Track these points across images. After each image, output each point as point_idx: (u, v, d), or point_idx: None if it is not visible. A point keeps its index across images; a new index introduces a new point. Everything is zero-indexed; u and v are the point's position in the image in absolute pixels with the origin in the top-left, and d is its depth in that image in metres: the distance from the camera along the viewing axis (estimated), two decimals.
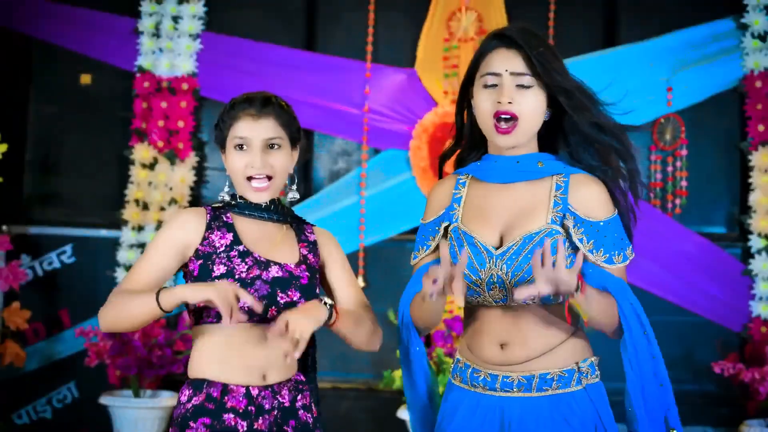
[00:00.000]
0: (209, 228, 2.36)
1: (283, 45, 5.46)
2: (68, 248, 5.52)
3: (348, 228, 5.41)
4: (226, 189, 2.43)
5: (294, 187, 2.47)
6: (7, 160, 5.09)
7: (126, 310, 2.25)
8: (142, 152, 5.41)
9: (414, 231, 4.41)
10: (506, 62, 2.27)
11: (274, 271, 2.33)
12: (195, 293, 2.18)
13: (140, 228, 5.40)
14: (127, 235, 5.39)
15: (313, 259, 2.44)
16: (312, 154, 5.59)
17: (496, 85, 2.28)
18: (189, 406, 2.30)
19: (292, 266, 2.37)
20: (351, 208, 5.44)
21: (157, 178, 5.41)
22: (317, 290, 2.41)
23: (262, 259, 2.34)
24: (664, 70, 5.40)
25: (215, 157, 5.44)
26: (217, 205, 2.43)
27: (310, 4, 5.62)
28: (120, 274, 5.36)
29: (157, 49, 5.47)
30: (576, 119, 2.30)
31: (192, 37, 5.48)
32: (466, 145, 2.43)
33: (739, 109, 5.45)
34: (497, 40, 2.30)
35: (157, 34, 5.48)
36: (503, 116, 2.26)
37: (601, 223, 2.26)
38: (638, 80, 5.38)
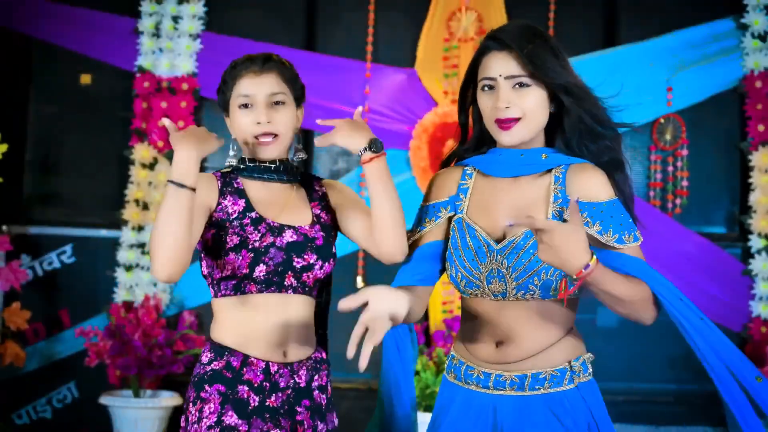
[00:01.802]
0: (222, 193, 2.35)
1: (283, 45, 5.45)
2: (68, 248, 5.52)
3: None
4: (232, 153, 2.40)
5: (301, 146, 2.45)
6: (7, 160, 5.10)
7: (158, 229, 2.15)
8: (142, 152, 5.41)
9: None
10: (499, 66, 2.26)
11: (288, 236, 2.32)
12: (180, 154, 2.17)
13: (140, 228, 5.40)
14: (127, 235, 5.39)
15: (326, 217, 2.43)
16: (312, 154, 5.60)
17: (493, 87, 2.28)
18: (208, 369, 2.31)
19: (307, 227, 2.36)
20: None
21: (157, 178, 5.41)
22: (333, 249, 2.40)
23: (275, 224, 2.33)
24: (664, 70, 5.40)
25: (215, 157, 5.43)
26: (225, 170, 2.41)
27: (310, 4, 5.63)
28: (120, 274, 5.36)
29: (157, 49, 5.47)
30: (574, 112, 2.28)
31: (192, 37, 5.48)
32: (471, 143, 2.43)
33: (739, 109, 5.45)
34: (490, 41, 2.29)
35: (157, 34, 5.49)
36: (503, 120, 2.26)
37: (605, 204, 2.24)
38: (638, 80, 5.38)
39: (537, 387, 2.27)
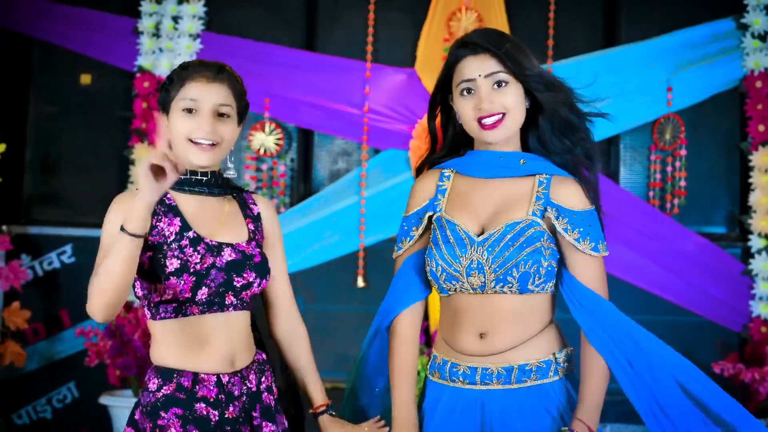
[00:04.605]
0: (155, 214, 2.28)
1: (283, 45, 5.45)
2: (68, 248, 5.52)
3: (348, 228, 5.41)
4: None
5: (231, 164, 2.38)
6: (7, 160, 5.10)
7: (104, 276, 2.13)
8: (142, 152, 5.41)
9: None
10: (477, 67, 2.34)
11: (227, 255, 2.29)
12: (144, 197, 2.07)
13: None
14: None
15: (259, 235, 2.41)
16: (312, 154, 5.60)
17: (472, 90, 2.34)
18: (159, 395, 2.26)
19: (244, 244, 2.33)
20: (351, 208, 5.43)
21: None
22: (269, 264, 2.37)
23: (213, 243, 2.29)
24: (664, 70, 5.40)
25: None
26: None
27: (310, 4, 5.62)
28: None
29: (157, 49, 5.47)
30: (550, 104, 2.36)
31: (192, 37, 5.48)
32: (443, 149, 2.50)
33: (739, 109, 5.45)
34: (463, 48, 2.37)
35: (157, 34, 5.49)
36: (485, 119, 2.32)
37: (585, 213, 2.32)
38: (638, 80, 5.38)
39: (524, 379, 2.31)
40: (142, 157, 2.04)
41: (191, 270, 2.23)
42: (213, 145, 2.29)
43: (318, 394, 2.46)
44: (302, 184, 5.56)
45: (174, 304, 2.26)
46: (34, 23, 5.49)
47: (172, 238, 2.26)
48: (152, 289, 2.26)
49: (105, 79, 5.59)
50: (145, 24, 5.47)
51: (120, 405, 4.94)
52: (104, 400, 4.98)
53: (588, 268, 2.31)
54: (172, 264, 2.23)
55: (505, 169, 2.37)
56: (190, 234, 2.28)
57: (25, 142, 5.59)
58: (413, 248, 2.45)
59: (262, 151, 5.42)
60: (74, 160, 5.60)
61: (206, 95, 2.30)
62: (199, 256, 2.25)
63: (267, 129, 5.40)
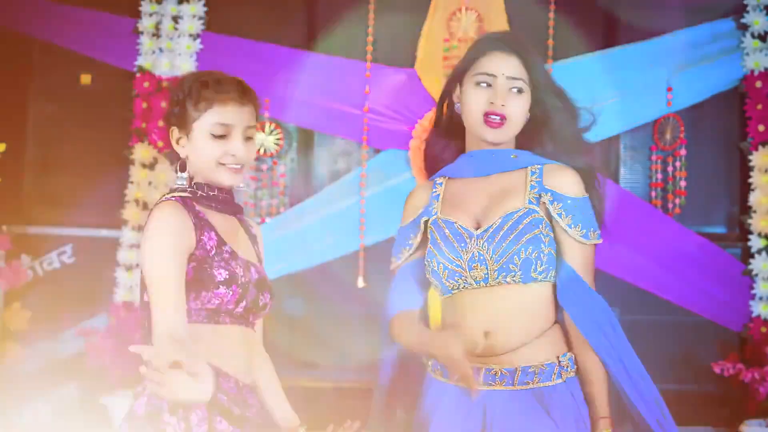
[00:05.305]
0: (197, 228, 2.23)
1: (283, 45, 5.46)
2: (68, 248, 5.52)
3: (348, 228, 5.41)
4: (184, 175, 2.29)
5: (246, 176, 2.37)
6: (7, 160, 5.09)
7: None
8: (142, 152, 5.41)
9: None
10: (503, 66, 2.37)
11: (254, 273, 2.30)
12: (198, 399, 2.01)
13: (140, 228, 5.40)
14: (127, 235, 5.39)
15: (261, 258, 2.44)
16: (313, 154, 5.59)
17: (488, 85, 2.36)
18: None
19: (259, 265, 2.36)
20: (351, 208, 5.43)
21: (157, 178, 5.41)
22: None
23: (243, 259, 2.29)
24: (664, 70, 5.40)
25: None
26: (182, 194, 2.29)
27: (310, 3, 5.62)
28: (120, 274, 5.36)
29: (157, 49, 5.47)
30: (562, 123, 2.41)
31: (192, 37, 5.48)
32: (438, 133, 2.55)
33: (739, 109, 5.45)
34: (494, 42, 2.40)
35: (157, 34, 5.49)
36: (493, 116, 2.35)
37: (579, 199, 2.36)
38: (638, 80, 5.38)
39: (526, 381, 2.32)
40: (152, 365, 1.96)
41: (239, 282, 2.23)
42: (242, 166, 2.28)
43: (292, 414, 2.43)
44: (302, 184, 5.56)
45: (210, 312, 2.23)
46: (34, 23, 5.49)
47: (214, 251, 2.24)
48: (193, 297, 2.21)
49: (105, 79, 5.59)
50: (145, 24, 5.47)
51: (120, 405, 4.94)
52: (104, 400, 4.97)
53: (575, 254, 2.35)
54: (221, 274, 2.21)
55: (497, 164, 2.40)
56: (227, 248, 2.26)
57: (25, 142, 5.59)
58: (412, 257, 2.47)
59: (262, 151, 5.42)
60: (74, 160, 5.60)
61: (238, 120, 2.25)
62: (241, 270, 2.25)
63: (267, 129, 5.40)
